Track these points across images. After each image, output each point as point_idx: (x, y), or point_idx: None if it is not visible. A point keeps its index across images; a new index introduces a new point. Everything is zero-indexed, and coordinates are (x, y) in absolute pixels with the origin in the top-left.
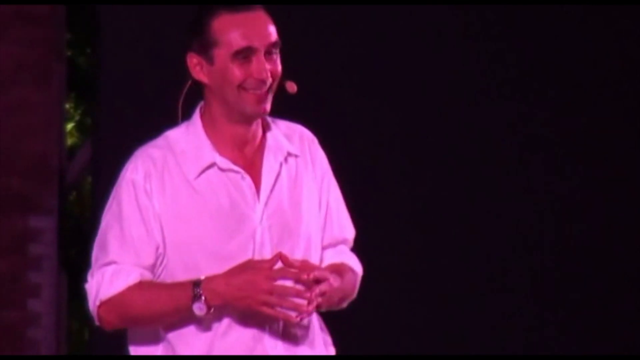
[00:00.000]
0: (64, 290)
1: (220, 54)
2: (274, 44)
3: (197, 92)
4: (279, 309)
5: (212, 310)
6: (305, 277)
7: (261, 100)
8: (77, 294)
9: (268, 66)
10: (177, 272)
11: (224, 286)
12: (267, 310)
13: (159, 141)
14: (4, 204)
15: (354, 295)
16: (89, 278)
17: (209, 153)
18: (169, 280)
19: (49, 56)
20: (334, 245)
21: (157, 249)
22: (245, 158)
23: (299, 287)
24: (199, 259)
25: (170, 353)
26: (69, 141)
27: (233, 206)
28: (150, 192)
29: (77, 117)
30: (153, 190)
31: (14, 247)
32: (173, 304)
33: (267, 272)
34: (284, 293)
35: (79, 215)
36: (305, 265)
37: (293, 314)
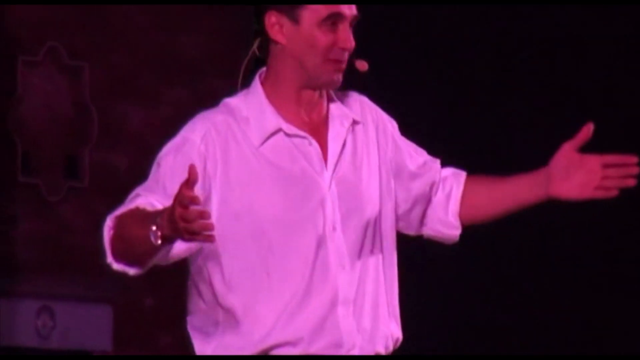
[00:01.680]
0: None
1: (307, 16)
2: (355, 17)
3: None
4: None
5: (164, 241)
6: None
7: (339, 71)
8: None
9: (351, 36)
10: (244, 240)
11: (164, 217)
12: (187, 237)
13: (220, 107)
14: None
15: None
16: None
17: (274, 119)
18: (234, 251)
19: (236, 46)
20: (428, 166)
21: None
22: (311, 124)
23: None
24: (266, 226)
25: (233, 327)
26: None
27: (301, 172)
28: (205, 155)
29: None
30: (209, 155)
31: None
32: (145, 230)
33: (176, 198)
34: (185, 217)
35: None
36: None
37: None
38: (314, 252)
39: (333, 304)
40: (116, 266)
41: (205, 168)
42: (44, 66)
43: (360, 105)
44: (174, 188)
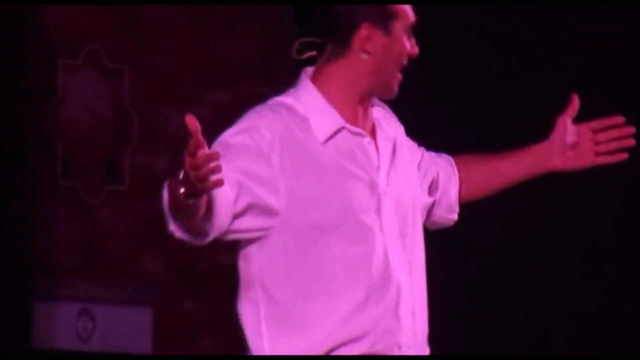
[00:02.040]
0: None
1: (398, 27)
2: None
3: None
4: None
5: (187, 197)
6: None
7: (399, 80)
8: None
9: None
10: (305, 232)
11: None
12: (200, 186)
13: (273, 105)
14: None
15: None
16: None
17: (335, 117)
18: (298, 244)
19: (277, 49)
20: (425, 160)
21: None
22: (363, 125)
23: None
24: (330, 218)
25: (303, 331)
26: None
27: (364, 170)
28: (271, 143)
29: None
30: (275, 145)
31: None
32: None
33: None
34: (200, 163)
35: None
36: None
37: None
38: (380, 252)
39: (397, 304)
40: (178, 234)
41: (270, 155)
42: (84, 69)
43: (390, 113)
44: (244, 165)
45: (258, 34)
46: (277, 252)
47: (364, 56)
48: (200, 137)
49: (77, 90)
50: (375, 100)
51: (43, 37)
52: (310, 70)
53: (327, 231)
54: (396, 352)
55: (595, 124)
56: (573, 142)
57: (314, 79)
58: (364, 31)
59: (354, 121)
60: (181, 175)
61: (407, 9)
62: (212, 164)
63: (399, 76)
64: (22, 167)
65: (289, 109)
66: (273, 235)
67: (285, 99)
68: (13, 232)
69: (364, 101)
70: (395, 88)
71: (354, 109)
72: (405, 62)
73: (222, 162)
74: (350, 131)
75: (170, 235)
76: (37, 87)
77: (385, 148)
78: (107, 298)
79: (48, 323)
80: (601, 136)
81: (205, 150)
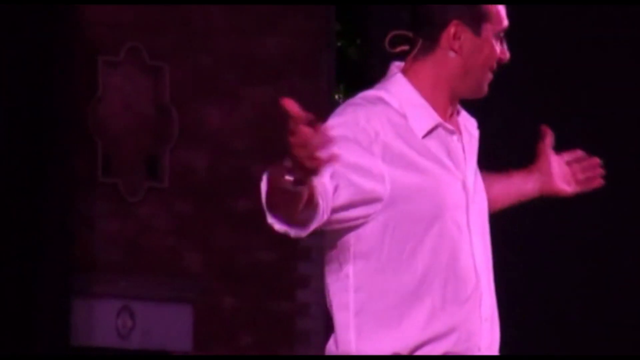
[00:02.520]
0: None
1: (489, 29)
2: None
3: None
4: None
5: (296, 183)
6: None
7: (489, 82)
8: None
9: None
10: (403, 223)
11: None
12: (309, 163)
13: (368, 98)
14: None
15: None
16: None
17: (432, 113)
18: (399, 236)
19: (318, 47)
20: None
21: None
22: (453, 125)
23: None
24: (427, 211)
25: (393, 323)
26: None
27: (456, 168)
28: (372, 137)
29: None
30: (376, 138)
31: (283, 237)
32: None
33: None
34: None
35: None
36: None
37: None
38: (468, 251)
39: (480, 305)
40: (277, 227)
41: (371, 147)
42: (125, 66)
43: (468, 116)
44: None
45: (299, 31)
46: (375, 243)
47: (452, 54)
48: (301, 113)
49: (117, 88)
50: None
51: (83, 35)
52: (399, 64)
53: (424, 224)
54: (476, 353)
55: (566, 155)
56: (556, 170)
57: (405, 73)
58: (452, 29)
59: (444, 119)
60: (287, 163)
61: (501, 13)
62: (321, 138)
63: (490, 77)
64: (63, 164)
65: (385, 103)
66: (371, 224)
67: (379, 92)
68: (54, 230)
69: (454, 100)
70: (486, 88)
71: (444, 106)
72: (494, 65)
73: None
74: (445, 128)
75: (209, 233)
76: (78, 84)
77: (471, 149)
78: (147, 295)
79: (88, 320)
80: (574, 167)
81: (307, 128)
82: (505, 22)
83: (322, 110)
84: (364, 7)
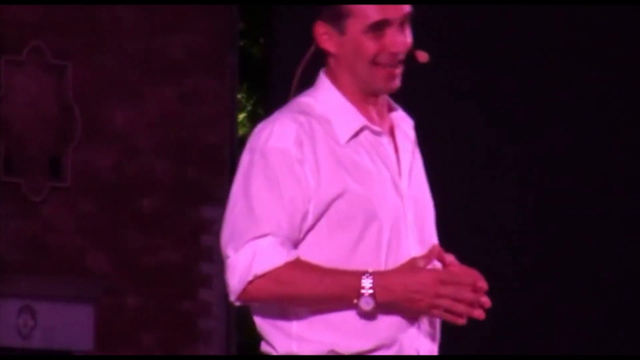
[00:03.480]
0: None
1: (353, 25)
2: (408, 14)
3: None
4: (446, 313)
5: (377, 306)
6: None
7: (393, 76)
8: None
9: (400, 38)
10: (332, 230)
11: (398, 285)
12: (436, 312)
13: (293, 106)
14: (177, 195)
15: None
16: (231, 252)
17: (356, 116)
18: (321, 238)
19: (222, 46)
20: None
21: (304, 221)
22: (381, 124)
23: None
24: (358, 218)
25: (304, 333)
26: (241, 131)
27: (387, 170)
28: (302, 160)
29: (249, 108)
30: (305, 158)
31: (186, 237)
32: (337, 291)
33: (440, 275)
34: (458, 298)
35: None
36: (454, 263)
37: (461, 318)
38: (404, 255)
39: (405, 327)
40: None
41: (305, 173)
42: (28, 66)
43: (403, 115)
44: (296, 222)
45: (203, 31)
46: (312, 250)
47: (332, 54)
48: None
49: (20, 87)
50: (397, 106)
51: None
52: (326, 68)
53: (357, 229)
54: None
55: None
56: None
57: (328, 75)
58: (320, 29)
59: (371, 120)
60: (388, 288)
61: (368, 7)
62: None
63: (381, 72)
64: None
65: (308, 112)
66: (307, 233)
67: (305, 98)
68: None
69: (370, 99)
70: (386, 84)
71: (366, 106)
72: (383, 59)
73: (282, 222)
74: (371, 130)
75: (113, 233)
76: None
77: (405, 149)
78: (49, 295)
79: None
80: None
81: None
82: (377, 17)
83: (225, 110)
84: (268, 7)
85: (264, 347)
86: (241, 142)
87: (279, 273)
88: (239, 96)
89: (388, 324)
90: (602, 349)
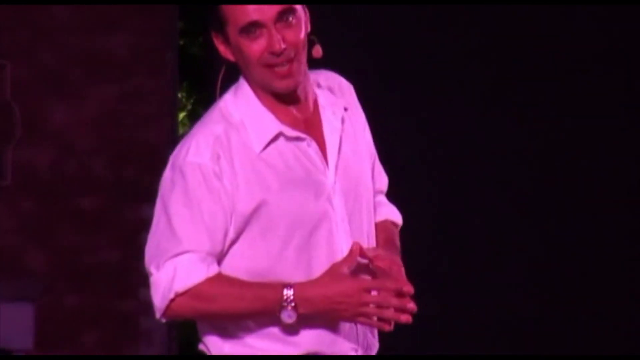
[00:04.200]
0: None
1: (231, 32)
2: (283, 12)
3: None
4: (375, 318)
5: (299, 318)
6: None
7: (284, 75)
8: None
9: (279, 36)
10: (255, 239)
11: (319, 297)
12: (362, 319)
13: (214, 115)
14: (116, 194)
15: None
16: (153, 270)
17: (272, 123)
18: (244, 250)
19: (162, 45)
20: (375, 194)
21: (226, 234)
22: (305, 121)
23: (394, 300)
24: (280, 226)
25: (238, 345)
26: (181, 130)
27: (305, 174)
28: (220, 174)
29: (189, 107)
30: (222, 171)
31: (126, 237)
32: (260, 305)
33: (362, 283)
34: (384, 305)
35: None
36: (379, 256)
37: (387, 324)
38: (327, 246)
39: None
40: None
41: (224, 186)
42: None
43: (340, 89)
44: (217, 237)
45: (143, 30)
46: (235, 260)
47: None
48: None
49: None
50: (331, 78)
51: None
52: None
53: (280, 238)
54: (352, 354)
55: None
56: None
57: (246, 81)
58: (215, 41)
59: (290, 119)
60: (309, 300)
61: (237, 11)
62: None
63: (269, 73)
64: None
65: (228, 119)
66: (232, 244)
67: (224, 104)
68: None
69: (286, 98)
70: (277, 84)
71: (284, 108)
72: (266, 60)
73: (203, 239)
74: (287, 136)
75: (52, 232)
76: None
77: (332, 142)
78: None
79: None
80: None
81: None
82: (243, 21)
83: (165, 109)
84: (207, 6)
85: (201, 347)
86: None
87: (199, 289)
88: (179, 95)
89: (314, 332)
90: (601, 349)
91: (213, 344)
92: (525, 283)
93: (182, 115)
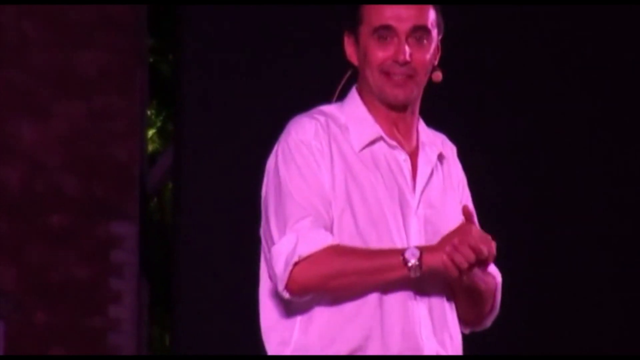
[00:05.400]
0: (144, 296)
1: (364, 32)
2: (419, 29)
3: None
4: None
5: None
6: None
7: (398, 84)
8: (158, 301)
9: (409, 50)
10: (342, 236)
11: (436, 246)
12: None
13: (314, 111)
14: (86, 211)
15: (492, 303)
16: (276, 238)
17: (374, 127)
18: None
19: (131, 63)
20: None
21: (331, 208)
22: (404, 145)
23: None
24: (358, 226)
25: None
26: (150, 147)
27: (396, 184)
28: (322, 151)
29: (158, 124)
30: (323, 152)
31: (96, 253)
32: (386, 262)
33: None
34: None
35: (159, 222)
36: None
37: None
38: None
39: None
40: (299, 298)
41: (325, 164)
42: None
43: (443, 144)
44: (328, 208)
45: (112, 47)
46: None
47: (357, 67)
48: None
49: None
50: (436, 132)
51: None
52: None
53: (356, 238)
54: None
55: None
56: None
57: (357, 89)
58: (345, 42)
59: (391, 135)
60: (431, 253)
61: (376, 11)
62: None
63: (385, 81)
64: None
65: (329, 116)
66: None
67: (328, 107)
68: None
69: (395, 115)
70: (390, 93)
71: (386, 118)
72: (387, 67)
73: (318, 211)
74: (387, 143)
75: (22, 249)
76: None
77: (424, 169)
78: None
79: None
80: None
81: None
82: (380, 22)
83: (134, 126)
84: (178, 23)
85: None
86: (151, 158)
87: (325, 254)
88: (148, 112)
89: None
90: (602, 349)
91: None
92: (525, 283)
93: (151, 132)
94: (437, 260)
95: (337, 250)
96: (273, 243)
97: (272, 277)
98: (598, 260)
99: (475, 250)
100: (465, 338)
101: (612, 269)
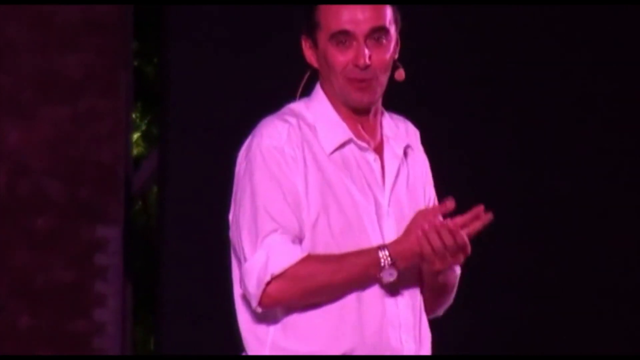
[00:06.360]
0: (129, 299)
1: (322, 37)
2: (375, 30)
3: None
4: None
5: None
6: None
7: (362, 89)
8: (143, 304)
9: (368, 52)
10: (316, 240)
11: (408, 247)
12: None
13: (285, 112)
14: (71, 214)
15: (452, 295)
16: (249, 254)
17: (343, 129)
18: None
19: (116, 66)
20: None
21: (303, 216)
22: (368, 142)
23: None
24: (333, 231)
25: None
26: (135, 151)
27: (368, 186)
28: (295, 157)
29: (143, 127)
30: (296, 156)
31: (81, 257)
32: (357, 272)
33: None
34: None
35: (144, 225)
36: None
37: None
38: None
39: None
40: (264, 310)
41: (299, 170)
42: None
43: (406, 131)
44: (301, 217)
45: (99, 50)
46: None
47: (317, 69)
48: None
49: None
50: (400, 119)
51: None
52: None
53: (332, 243)
54: None
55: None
56: None
57: (323, 89)
58: (303, 45)
59: (359, 135)
60: (403, 255)
61: (333, 16)
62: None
63: (350, 86)
64: None
65: (300, 117)
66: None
67: (296, 106)
68: None
69: (359, 116)
70: (355, 97)
71: (355, 123)
72: (349, 72)
73: (290, 220)
74: (357, 145)
75: (5, 252)
76: None
77: (391, 166)
78: None
79: None
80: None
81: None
82: (337, 27)
83: (119, 129)
84: (163, 26)
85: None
86: (135, 161)
87: (296, 270)
88: (133, 115)
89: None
90: (602, 349)
91: (254, 350)
92: (524, 283)
93: (136, 135)
94: (409, 245)
95: (309, 263)
96: (245, 258)
97: (244, 291)
98: (598, 260)
99: (450, 230)
100: (465, 338)
101: (612, 269)
